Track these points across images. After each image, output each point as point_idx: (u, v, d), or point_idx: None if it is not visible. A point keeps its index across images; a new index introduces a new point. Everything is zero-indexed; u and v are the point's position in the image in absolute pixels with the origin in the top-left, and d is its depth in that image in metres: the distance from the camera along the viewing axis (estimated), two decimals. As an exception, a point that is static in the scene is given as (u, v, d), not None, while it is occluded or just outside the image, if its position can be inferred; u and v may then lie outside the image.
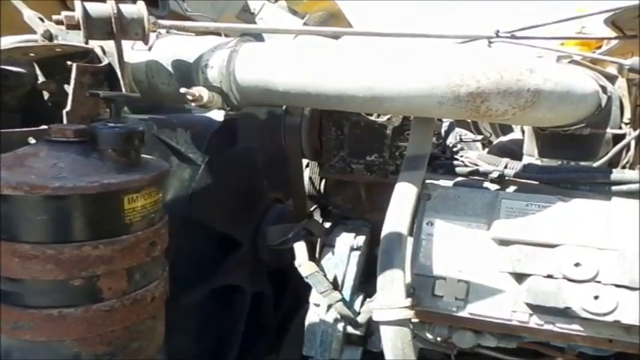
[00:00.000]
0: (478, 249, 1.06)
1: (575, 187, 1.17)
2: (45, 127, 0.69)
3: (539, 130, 1.33)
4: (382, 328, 0.87)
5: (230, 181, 1.36)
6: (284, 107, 1.26)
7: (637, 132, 1.31)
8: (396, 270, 0.90)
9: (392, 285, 0.89)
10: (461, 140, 1.60)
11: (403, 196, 1.01)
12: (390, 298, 0.88)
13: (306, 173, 1.56)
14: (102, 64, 0.88)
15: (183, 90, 0.91)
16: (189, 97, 0.94)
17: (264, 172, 1.56)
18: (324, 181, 1.52)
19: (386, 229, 0.97)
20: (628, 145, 1.44)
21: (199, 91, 0.94)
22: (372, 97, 0.87)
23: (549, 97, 0.89)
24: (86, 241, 0.65)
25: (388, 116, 1.19)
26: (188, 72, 1.01)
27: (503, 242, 1.05)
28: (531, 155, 1.49)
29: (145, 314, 0.73)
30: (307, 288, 1.28)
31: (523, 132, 1.93)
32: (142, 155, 0.77)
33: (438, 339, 1.23)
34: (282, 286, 1.74)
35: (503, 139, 2.13)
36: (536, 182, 1.20)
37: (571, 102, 0.97)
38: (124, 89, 0.95)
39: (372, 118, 1.19)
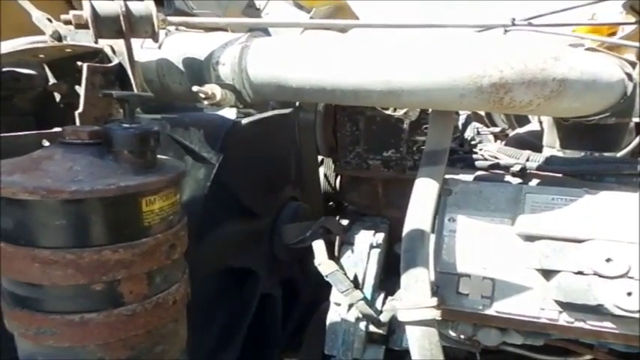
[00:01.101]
0: (503, 245, 1.03)
1: (601, 179, 1.14)
2: (58, 129, 0.68)
3: (561, 121, 1.29)
4: (408, 328, 0.84)
5: (246, 177, 1.33)
6: (297, 103, 1.24)
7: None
8: (420, 268, 0.87)
9: (416, 284, 0.86)
10: (478, 133, 1.56)
11: (424, 192, 0.98)
12: (415, 297, 0.85)
13: (322, 170, 1.54)
14: (112, 64, 0.86)
15: (195, 88, 0.89)
16: (202, 96, 0.92)
17: (281, 167, 1.54)
18: (339, 177, 1.50)
19: (407, 227, 0.94)
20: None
21: (212, 89, 0.92)
22: (390, 91, 0.84)
23: (575, 85, 0.85)
24: (106, 245, 0.63)
25: (405, 110, 1.16)
26: (199, 70, 0.99)
27: (529, 238, 1.01)
28: (552, 147, 1.45)
29: (167, 318, 0.71)
30: (326, 285, 1.26)
31: (541, 123, 1.90)
32: (158, 156, 0.75)
33: (462, 337, 1.20)
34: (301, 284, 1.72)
35: (520, 131, 2.08)
36: (560, 175, 1.17)
37: (597, 90, 0.93)
38: (135, 89, 0.93)
39: (389, 112, 1.16)
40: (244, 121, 1.33)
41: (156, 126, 0.73)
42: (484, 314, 1.01)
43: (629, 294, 0.89)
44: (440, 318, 0.84)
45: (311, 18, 2.54)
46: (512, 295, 1.00)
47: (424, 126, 1.16)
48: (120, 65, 0.89)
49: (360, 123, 1.19)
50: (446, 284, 1.03)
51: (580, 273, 0.93)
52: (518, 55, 0.78)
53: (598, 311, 0.93)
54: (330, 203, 1.65)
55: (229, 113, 1.39)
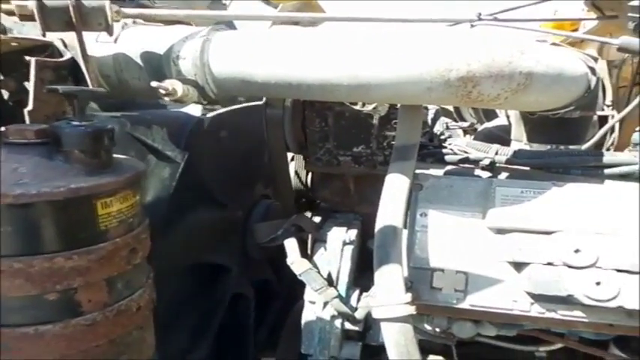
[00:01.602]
0: (474, 239, 1.03)
1: (567, 171, 1.15)
2: (2, 128, 0.63)
3: (527, 115, 1.31)
4: (383, 325, 0.83)
5: (213, 175, 1.29)
6: (264, 99, 1.20)
7: (622, 113, 1.30)
8: (393, 264, 0.86)
9: (390, 280, 0.85)
10: (447, 128, 1.57)
11: (395, 187, 0.96)
12: (390, 294, 0.83)
13: (292, 167, 1.51)
14: (64, 59, 0.81)
15: (154, 84, 0.85)
16: (162, 92, 0.87)
17: (249, 165, 1.51)
18: (310, 174, 1.47)
19: (380, 223, 0.93)
20: (612, 128, 1.44)
21: (172, 84, 0.88)
22: (358, 85, 0.82)
23: (541, 79, 0.86)
24: (58, 252, 0.59)
25: (374, 105, 1.14)
26: (159, 64, 0.94)
27: (500, 231, 1.02)
28: (519, 140, 1.47)
29: (131, 325, 0.67)
30: (301, 284, 1.23)
31: (508, 117, 1.93)
32: (115, 155, 0.71)
33: (437, 330, 1.20)
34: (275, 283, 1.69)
35: (488, 125, 2.11)
36: (527, 168, 1.18)
37: (562, 84, 0.94)
38: (90, 85, 0.88)
39: (357, 107, 1.14)
40: (210, 115, 1.29)
41: (113, 124, 0.69)
42: (458, 308, 1.01)
43: (598, 283, 0.90)
44: (415, 313, 0.83)
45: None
46: (485, 288, 1.00)
47: (394, 121, 1.14)
48: (72, 60, 0.84)
49: (329, 119, 1.17)
50: (420, 279, 1.02)
51: (550, 264, 0.94)
52: (485, 49, 0.78)
53: (568, 301, 0.94)
54: (302, 200, 1.63)
55: (194, 110, 1.35)
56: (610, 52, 1.79)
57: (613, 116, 1.49)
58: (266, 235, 1.33)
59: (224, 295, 1.36)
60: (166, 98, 0.90)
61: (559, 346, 1.26)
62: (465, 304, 1.01)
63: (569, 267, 0.92)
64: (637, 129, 1.26)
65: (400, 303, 0.82)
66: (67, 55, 0.83)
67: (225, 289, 1.37)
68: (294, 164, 1.51)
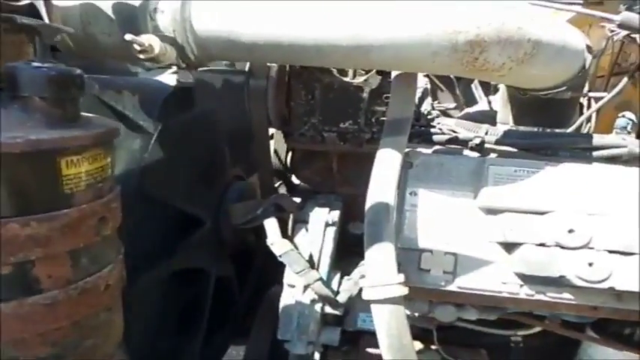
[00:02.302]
0: (465, 219, 0.99)
1: (556, 152, 1.13)
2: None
3: (516, 95, 1.28)
4: (374, 307, 0.78)
5: (188, 152, 1.21)
6: (247, 68, 1.12)
7: (609, 96, 1.29)
8: (386, 243, 0.81)
9: (382, 260, 0.79)
10: (433, 108, 1.53)
11: (386, 163, 0.91)
12: (382, 274, 0.78)
13: (271, 145, 1.44)
14: (20, 3, 0.70)
15: (128, 37, 0.75)
16: (137, 48, 0.78)
17: (225, 142, 1.42)
18: (291, 153, 1.40)
19: (370, 199, 0.87)
20: (589, 116, 1.44)
21: (149, 39, 0.79)
22: (357, 46, 0.76)
23: (547, 50, 0.82)
24: (12, 217, 0.50)
25: (365, 77, 1.08)
26: (133, 17, 0.84)
27: (492, 211, 0.98)
28: (505, 123, 1.44)
29: (98, 306, 0.59)
30: (273, 268, 1.17)
31: (489, 102, 1.91)
32: (84, 114, 0.62)
33: (416, 314, 1.17)
34: (244, 269, 1.63)
35: (469, 110, 2.09)
36: (516, 150, 1.15)
37: (564, 58, 0.91)
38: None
39: (347, 79, 1.08)
40: (186, 85, 1.19)
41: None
42: (446, 290, 0.97)
43: (591, 264, 0.88)
44: (406, 294, 0.78)
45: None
46: (474, 270, 0.97)
47: (384, 95, 1.09)
48: (31, 6, 0.73)
49: (316, 91, 1.10)
50: (407, 261, 0.97)
51: (542, 245, 0.91)
52: (495, 12, 0.73)
53: (559, 283, 0.92)
54: (280, 182, 1.56)
55: (169, 79, 1.25)
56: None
57: (589, 103, 1.49)
58: (243, 216, 1.25)
59: (207, 291, 1.30)
60: (141, 56, 0.80)
61: (537, 329, 1.26)
62: (452, 287, 0.97)
63: (562, 247, 0.90)
64: (620, 115, 1.25)
65: (393, 283, 0.77)
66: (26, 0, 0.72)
67: (206, 285, 1.31)
68: (274, 143, 1.44)
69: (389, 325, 0.77)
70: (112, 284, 0.60)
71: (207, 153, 1.34)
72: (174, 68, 1.34)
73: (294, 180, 1.53)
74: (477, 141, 1.14)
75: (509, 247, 0.95)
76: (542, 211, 0.93)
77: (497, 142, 1.15)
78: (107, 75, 1.10)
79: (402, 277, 0.79)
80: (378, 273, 0.79)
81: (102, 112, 0.94)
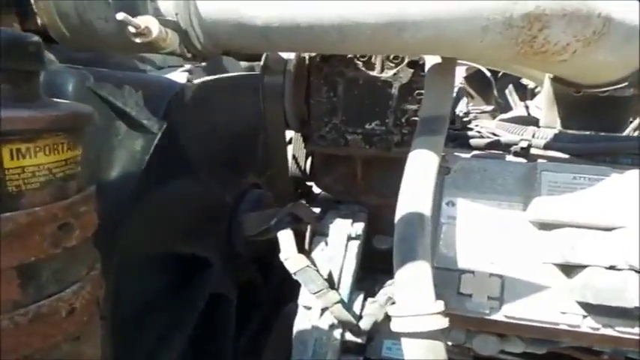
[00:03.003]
0: (513, 235, 0.84)
1: (616, 159, 0.97)
2: None
3: (569, 93, 1.12)
4: (407, 342, 0.63)
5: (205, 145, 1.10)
6: (262, 62, 1.00)
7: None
8: (421, 262, 0.67)
9: (417, 283, 0.65)
10: (468, 112, 1.39)
11: (421, 166, 0.77)
12: (416, 301, 0.64)
13: (289, 150, 1.31)
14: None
15: (120, 16, 0.65)
16: (132, 30, 0.68)
17: (241, 147, 1.31)
18: (311, 159, 1.28)
19: (402, 209, 0.73)
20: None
21: (146, 21, 0.68)
22: (387, 24, 0.63)
23: (619, 29, 0.67)
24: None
25: (394, 70, 0.95)
26: (132, 1, 0.74)
27: (546, 225, 0.83)
28: (552, 127, 1.28)
29: (58, 335, 0.47)
30: (290, 285, 1.04)
31: (527, 107, 1.75)
32: (57, 100, 0.51)
33: (449, 343, 1.01)
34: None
35: (504, 116, 1.93)
36: (568, 155, 1.00)
37: (635, 43, 0.76)
38: (39, 19, 0.68)
39: (374, 73, 0.95)
40: (198, 81, 1.09)
41: (67, 75, 0.49)
42: (490, 319, 0.82)
43: (674, 293, 0.71)
44: (447, 326, 0.64)
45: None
46: (524, 296, 0.81)
47: (416, 91, 0.95)
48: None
49: (339, 87, 0.97)
50: (444, 283, 0.83)
51: (612, 268, 0.75)
52: (559, -22, 0.59)
53: (631, 314, 0.76)
54: (299, 191, 1.43)
55: (178, 77, 1.15)
56: None
57: None
58: (257, 227, 1.12)
59: (201, 294, 1.17)
60: (137, 40, 0.70)
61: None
62: (498, 315, 0.82)
63: (637, 272, 0.74)
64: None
65: (430, 313, 0.63)
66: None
67: (202, 287, 1.18)
68: (292, 147, 1.31)
69: (425, 365, 0.62)
70: (80, 308, 0.48)
71: (221, 152, 1.23)
72: (187, 67, 1.25)
73: (315, 189, 1.40)
74: (523, 144, 0.99)
75: (570, 269, 0.79)
76: (610, 226, 0.78)
77: (546, 147, 1.00)
78: (111, 67, 1.01)
79: (441, 306, 0.64)
80: (412, 300, 0.65)
81: (98, 107, 0.84)
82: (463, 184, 0.89)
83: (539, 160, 0.90)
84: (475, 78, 1.94)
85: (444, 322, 0.63)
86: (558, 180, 0.83)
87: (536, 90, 1.94)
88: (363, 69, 0.94)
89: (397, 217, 0.74)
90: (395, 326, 0.65)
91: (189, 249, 1.14)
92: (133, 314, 0.99)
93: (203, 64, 1.35)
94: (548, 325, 0.81)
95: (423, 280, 0.65)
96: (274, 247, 1.01)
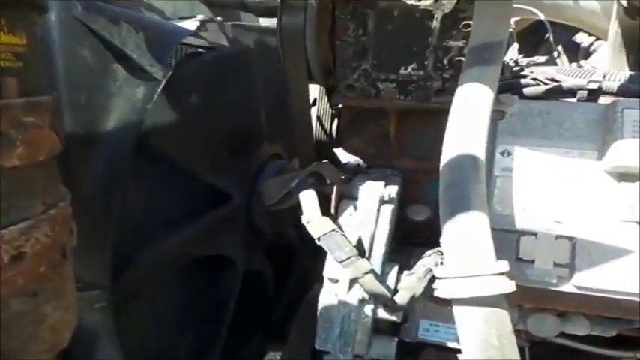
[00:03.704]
0: (585, 188, 0.69)
1: None
2: None
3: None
4: (459, 311, 0.49)
5: (211, 106, 0.99)
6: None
7: None
8: (476, 212, 0.52)
9: (472, 236, 0.51)
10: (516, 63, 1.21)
11: (472, 100, 0.62)
12: (473, 258, 0.50)
13: (314, 112, 1.18)
14: None
15: None
16: None
17: (262, 104, 1.19)
18: (337, 119, 1.14)
19: (449, 152, 0.59)
20: None
21: None
22: None
23: None
24: None
25: (436, -3, 0.79)
26: None
27: (627, 176, 0.67)
28: (618, 76, 1.10)
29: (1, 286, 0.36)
30: (319, 265, 0.92)
31: (581, 67, 1.55)
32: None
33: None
34: (285, 269, 1.39)
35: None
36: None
37: None
38: None
39: (411, 1, 0.80)
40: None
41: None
42: (556, 291, 0.67)
43: None
44: (514, 291, 0.49)
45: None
46: (601, 263, 0.66)
47: (463, 22, 0.80)
48: None
49: (370, 21, 0.83)
50: (500, 247, 0.67)
51: None
52: None
53: None
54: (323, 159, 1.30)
55: (189, 25, 1.03)
56: None
57: None
58: (276, 193, 1.00)
59: (232, 289, 1.10)
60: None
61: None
62: (568, 286, 0.67)
63: None
64: None
65: (492, 273, 0.49)
66: None
67: (233, 282, 1.10)
68: (316, 108, 1.18)
69: (485, 339, 0.48)
70: (32, 254, 0.36)
71: (238, 111, 1.11)
72: (199, 17, 1.13)
73: (343, 156, 1.26)
74: (593, 86, 0.82)
75: (661, 228, 0.63)
76: None
77: (621, 91, 0.83)
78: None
79: (505, 265, 0.50)
80: (466, 257, 0.50)
81: (90, 43, 0.73)
82: (521, 130, 0.74)
83: (620, 98, 0.73)
84: (521, 37, 1.75)
85: (509, 285, 0.48)
86: (645, 119, 0.67)
87: (592, 49, 1.73)
88: (400, -5, 0.79)
89: (443, 161, 0.60)
90: (443, 291, 0.51)
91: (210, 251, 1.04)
92: (139, 287, 0.89)
93: (218, 18, 1.24)
94: (630, 298, 0.65)
95: (481, 234, 0.51)
96: (299, 224, 0.88)
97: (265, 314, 1.31)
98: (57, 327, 0.45)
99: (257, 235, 1.24)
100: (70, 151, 0.71)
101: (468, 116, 0.60)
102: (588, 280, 0.66)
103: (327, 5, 0.85)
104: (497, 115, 0.75)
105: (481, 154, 0.58)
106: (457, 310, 0.50)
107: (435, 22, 0.81)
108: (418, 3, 0.79)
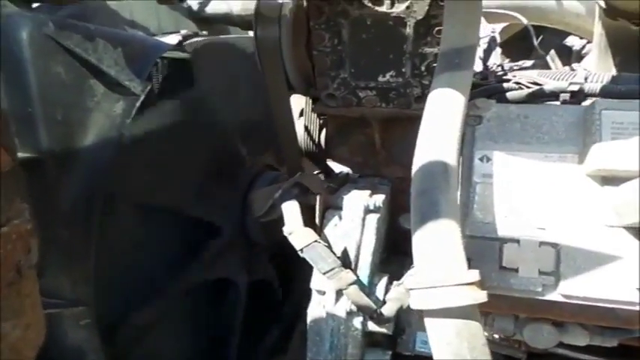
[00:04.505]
0: (567, 193, 0.67)
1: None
2: None
3: (629, 30, 0.93)
4: (431, 323, 0.47)
5: (187, 142, 1.00)
6: (254, 8, 0.87)
7: None
8: (447, 220, 0.51)
9: (441, 245, 0.49)
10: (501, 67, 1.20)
11: (443, 106, 0.61)
12: (441, 267, 0.48)
13: (301, 123, 1.17)
14: None
15: None
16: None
17: (243, 126, 1.19)
18: (324, 129, 1.13)
19: (420, 159, 0.58)
20: None
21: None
22: None
23: None
24: None
25: (407, 3, 0.78)
26: None
27: (610, 179, 0.65)
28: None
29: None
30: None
31: (573, 70, 1.54)
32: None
33: (496, 336, 0.85)
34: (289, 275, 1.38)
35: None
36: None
37: None
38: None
39: (383, 9, 0.79)
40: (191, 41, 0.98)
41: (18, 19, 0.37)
42: (544, 300, 0.65)
43: None
44: (485, 302, 0.48)
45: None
46: (588, 270, 0.64)
47: (436, 28, 0.79)
48: None
49: (344, 31, 0.82)
50: (482, 256, 0.66)
51: None
52: None
53: None
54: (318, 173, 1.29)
55: (170, 39, 1.04)
56: None
57: None
58: (264, 204, 0.99)
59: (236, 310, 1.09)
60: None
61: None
62: (554, 295, 0.65)
63: None
64: None
65: (460, 283, 0.47)
66: None
67: (236, 298, 1.10)
68: (304, 119, 1.17)
69: (457, 352, 0.46)
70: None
71: (214, 141, 1.11)
72: (183, 32, 1.13)
73: (333, 166, 1.25)
74: (574, 88, 0.81)
75: (646, 232, 0.61)
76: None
77: (604, 92, 0.81)
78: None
79: (475, 275, 0.48)
80: (436, 266, 0.49)
81: (63, 61, 0.73)
82: (499, 134, 0.72)
83: (598, 98, 0.71)
84: (512, 43, 1.74)
85: (480, 296, 0.47)
86: (625, 120, 0.65)
87: (583, 52, 1.72)
88: (370, 4, 0.79)
89: (414, 169, 0.58)
90: (415, 302, 0.49)
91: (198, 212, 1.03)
92: (125, 302, 0.88)
93: (204, 32, 1.24)
94: (620, 307, 0.63)
95: (450, 242, 0.49)
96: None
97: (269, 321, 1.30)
98: (17, 346, 0.44)
99: (256, 248, 1.24)
100: (46, 167, 0.72)
101: (439, 122, 0.59)
102: (575, 288, 0.63)
103: (301, 16, 0.85)
104: (475, 120, 0.74)
105: (453, 160, 0.56)
106: (428, 323, 0.48)
107: (408, 29, 0.80)
108: (389, 11, 0.78)
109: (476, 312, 0.47)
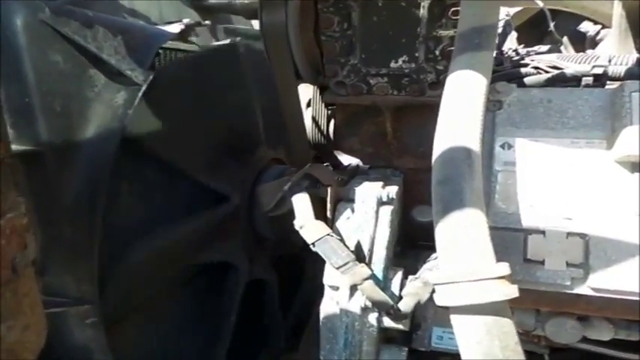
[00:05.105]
0: (595, 180, 0.63)
1: None
2: None
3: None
4: (457, 320, 0.44)
5: (203, 105, 0.97)
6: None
7: None
8: (472, 210, 0.47)
9: (467, 239, 0.46)
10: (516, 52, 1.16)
11: (464, 89, 0.57)
12: (469, 262, 0.45)
13: (309, 114, 1.14)
14: None
15: None
16: None
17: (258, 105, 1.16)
18: (333, 119, 1.09)
19: (441, 145, 0.54)
20: None
21: None
22: None
23: None
24: None
25: (423, -17, 0.74)
26: None
27: (641, 165, 0.61)
28: (627, 59, 1.04)
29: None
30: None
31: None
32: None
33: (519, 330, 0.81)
34: (297, 274, 1.35)
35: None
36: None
37: None
38: None
39: (397, -10, 0.75)
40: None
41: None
42: (571, 294, 0.61)
43: None
44: (516, 298, 0.44)
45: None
46: (619, 262, 0.60)
47: (451, 9, 0.75)
48: None
49: (354, 14, 0.78)
50: (505, 247, 0.63)
51: None
52: None
53: None
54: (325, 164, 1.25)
55: (172, 28, 1.00)
56: None
57: None
58: (272, 198, 0.96)
59: (235, 291, 1.07)
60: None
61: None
62: (583, 288, 0.61)
63: None
64: None
65: (491, 277, 0.43)
66: None
67: (235, 283, 1.07)
68: (312, 109, 1.14)
69: (488, 351, 0.42)
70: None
71: (232, 111, 1.08)
72: (185, 21, 1.09)
73: (342, 158, 1.22)
74: (598, 71, 0.77)
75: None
76: None
77: (629, 74, 0.77)
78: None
79: (506, 268, 0.45)
80: (462, 260, 0.45)
81: (60, 49, 0.69)
82: (521, 120, 0.69)
83: (627, 81, 0.67)
84: (524, 29, 1.69)
85: (511, 291, 0.43)
86: (658, 102, 0.61)
87: (598, 38, 1.67)
88: (383, -16, 0.75)
89: (435, 155, 0.55)
90: (440, 298, 0.46)
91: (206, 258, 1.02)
92: (128, 301, 0.85)
93: (207, 22, 1.21)
94: (653, 299, 0.59)
95: (477, 233, 0.46)
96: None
97: (272, 329, 1.27)
98: (15, 349, 0.41)
99: (260, 243, 1.20)
100: (46, 160, 0.69)
101: (461, 106, 0.55)
102: (606, 281, 0.60)
103: (308, 0, 0.81)
104: (495, 105, 0.70)
105: (476, 146, 0.53)
106: (455, 320, 0.45)
107: (422, 10, 0.76)
108: (405, -9, 0.74)
109: (507, 308, 0.44)
